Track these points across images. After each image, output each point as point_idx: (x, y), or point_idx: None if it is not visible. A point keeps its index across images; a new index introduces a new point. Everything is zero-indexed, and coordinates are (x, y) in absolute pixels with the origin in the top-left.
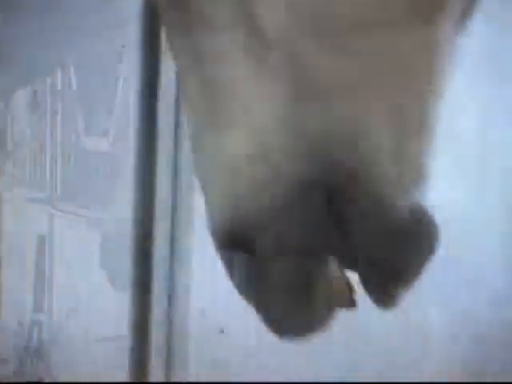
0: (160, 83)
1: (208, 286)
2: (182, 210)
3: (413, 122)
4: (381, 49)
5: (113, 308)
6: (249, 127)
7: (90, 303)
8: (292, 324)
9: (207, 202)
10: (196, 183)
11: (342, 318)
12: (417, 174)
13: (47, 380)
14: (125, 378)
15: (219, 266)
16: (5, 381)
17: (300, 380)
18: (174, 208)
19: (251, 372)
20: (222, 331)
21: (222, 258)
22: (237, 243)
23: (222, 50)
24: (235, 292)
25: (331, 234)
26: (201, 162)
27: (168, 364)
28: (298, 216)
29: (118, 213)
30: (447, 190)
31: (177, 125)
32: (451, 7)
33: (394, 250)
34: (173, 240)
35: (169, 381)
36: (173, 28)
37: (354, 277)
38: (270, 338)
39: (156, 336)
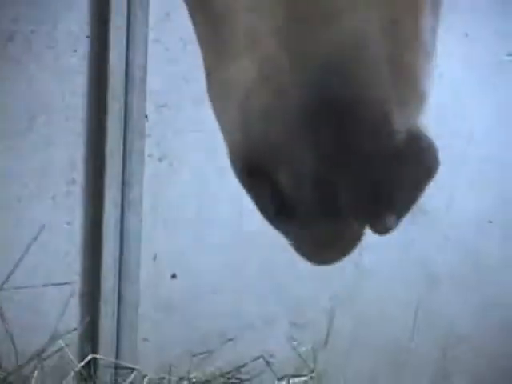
0: None
1: (159, 232)
2: (133, 158)
3: (409, 34)
4: None
5: (64, 254)
6: (253, 53)
7: (40, 248)
8: (317, 250)
9: (224, 135)
10: (146, 130)
11: None
12: (414, 92)
13: None
14: (76, 315)
15: (170, 213)
16: None
17: (250, 322)
18: (125, 156)
19: (202, 315)
20: (173, 276)
21: (245, 187)
22: (254, 170)
23: None
24: (186, 237)
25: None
26: (215, 96)
27: (119, 309)
28: (309, 135)
29: (68, 161)
30: None
31: (127, 67)
32: None
33: (391, 172)
34: (124, 186)
35: (120, 325)
36: None
37: None
38: (221, 282)
39: (107, 281)
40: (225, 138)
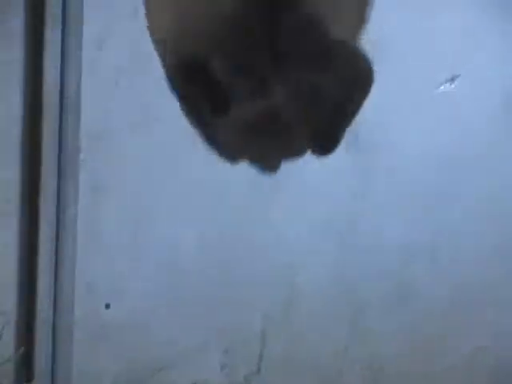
0: None
1: (94, 261)
2: (68, 185)
3: None
4: None
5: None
6: None
7: None
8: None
9: (161, 50)
10: (81, 157)
11: None
12: (354, 11)
13: None
14: (11, 345)
15: (105, 241)
16: None
17: (182, 350)
18: (60, 184)
19: (135, 345)
20: (107, 306)
21: (183, 84)
22: (192, 71)
23: None
24: (121, 265)
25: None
26: (152, 16)
27: (54, 338)
28: (244, 36)
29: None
30: None
31: (61, 96)
32: None
33: (326, 76)
34: (58, 215)
35: (55, 354)
36: None
37: None
38: (154, 310)
39: (42, 311)
40: (163, 46)
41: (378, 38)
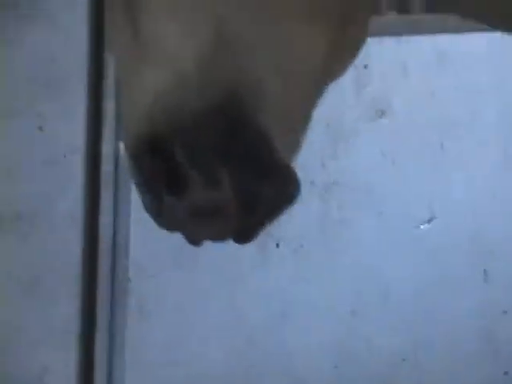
0: None
1: (141, 371)
2: (118, 313)
3: (298, 91)
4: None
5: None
6: (171, 68)
7: None
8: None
9: (131, 125)
10: (130, 290)
11: None
12: (293, 136)
13: None
14: None
15: (153, 359)
16: None
17: None
18: (113, 311)
19: None
20: None
21: (143, 166)
22: (152, 149)
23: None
24: (162, 376)
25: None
26: (126, 98)
27: None
28: (204, 132)
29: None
30: None
31: (114, 237)
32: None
33: (263, 186)
34: (111, 338)
35: None
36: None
37: None
38: None
39: None
40: (130, 129)
41: (362, 184)
